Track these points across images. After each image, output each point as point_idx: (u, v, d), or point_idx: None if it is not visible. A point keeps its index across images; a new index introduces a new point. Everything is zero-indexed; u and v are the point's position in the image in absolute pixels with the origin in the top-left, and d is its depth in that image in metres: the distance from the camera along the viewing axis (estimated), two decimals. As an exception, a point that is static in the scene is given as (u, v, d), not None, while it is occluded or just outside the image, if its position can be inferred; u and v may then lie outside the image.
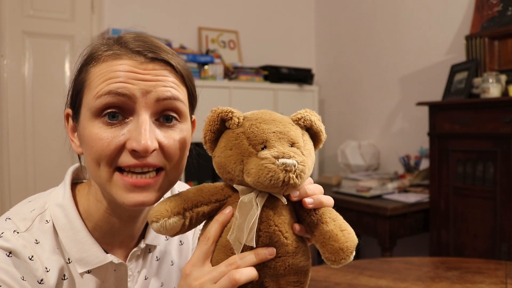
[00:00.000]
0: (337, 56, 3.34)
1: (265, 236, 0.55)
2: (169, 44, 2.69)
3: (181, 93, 0.63)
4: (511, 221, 1.85)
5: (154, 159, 0.59)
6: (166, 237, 0.78)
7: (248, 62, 3.15)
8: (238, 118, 0.56)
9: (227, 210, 0.57)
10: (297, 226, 0.57)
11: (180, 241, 0.81)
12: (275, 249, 0.55)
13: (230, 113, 0.56)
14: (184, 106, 0.63)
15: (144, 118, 0.58)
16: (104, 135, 0.58)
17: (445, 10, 2.55)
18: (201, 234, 0.59)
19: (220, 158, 0.57)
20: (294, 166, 0.51)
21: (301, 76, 3.07)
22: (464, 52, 2.30)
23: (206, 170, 2.59)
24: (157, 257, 0.76)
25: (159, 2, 2.87)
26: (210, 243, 0.56)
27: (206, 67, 2.71)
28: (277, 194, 0.55)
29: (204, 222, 0.60)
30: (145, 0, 2.81)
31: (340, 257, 0.55)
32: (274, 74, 2.95)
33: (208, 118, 0.57)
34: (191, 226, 0.58)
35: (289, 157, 0.52)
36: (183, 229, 0.58)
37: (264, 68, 2.99)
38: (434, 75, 2.60)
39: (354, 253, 0.56)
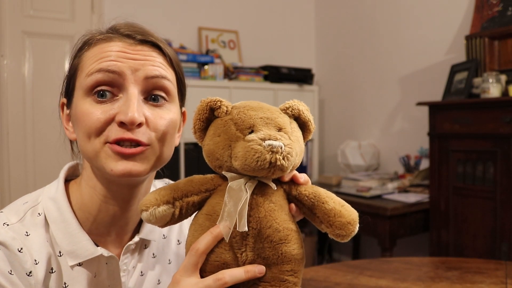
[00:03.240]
0: (337, 56, 3.34)
1: (255, 221, 0.55)
2: (169, 44, 2.69)
3: (168, 73, 0.65)
4: (511, 221, 1.85)
5: (141, 135, 0.60)
6: (163, 235, 0.79)
7: (248, 62, 3.15)
8: (227, 107, 0.58)
9: (223, 221, 0.56)
10: (293, 206, 0.58)
11: (178, 241, 0.81)
12: (264, 268, 0.56)
13: (219, 102, 0.58)
14: (172, 86, 0.66)
15: (133, 92, 0.61)
16: (94, 110, 0.60)
17: (445, 10, 2.55)
18: (191, 235, 0.59)
19: (209, 146, 0.58)
20: (281, 148, 0.52)
21: (301, 76, 3.07)
22: (464, 52, 2.30)
23: (206, 171, 2.59)
24: (153, 254, 0.76)
25: (159, 2, 2.87)
26: (199, 254, 0.56)
27: (206, 67, 2.71)
28: (266, 179, 0.56)
29: (195, 214, 0.60)
30: (145, 0, 2.82)
31: (350, 230, 0.56)
32: (274, 74, 2.95)
33: (198, 108, 0.59)
34: (182, 216, 0.59)
35: (276, 139, 0.53)
36: (174, 219, 0.58)
37: (264, 68, 2.99)
38: (434, 75, 2.60)
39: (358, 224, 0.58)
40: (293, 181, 0.59)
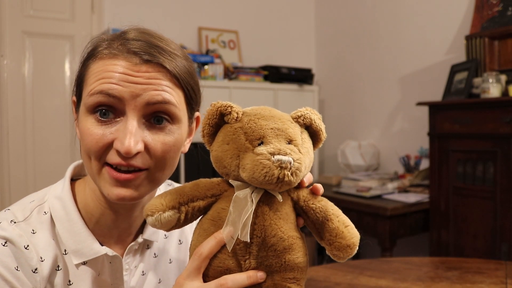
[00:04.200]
0: (337, 56, 3.34)
1: (259, 229, 0.54)
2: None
3: (174, 96, 0.62)
4: (511, 221, 1.85)
5: (138, 161, 0.60)
6: (165, 235, 0.79)
7: (248, 62, 3.15)
8: (237, 113, 0.56)
9: (227, 230, 0.56)
10: (301, 221, 0.58)
11: (179, 240, 0.82)
12: (265, 274, 0.55)
13: (230, 107, 0.56)
14: (177, 110, 0.63)
15: (131, 121, 0.59)
16: (94, 131, 0.60)
17: (445, 10, 2.55)
18: (195, 239, 0.59)
19: (217, 152, 0.57)
20: (290, 163, 0.51)
21: (301, 76, 3.07)
22: (464, 52, 2.30)
23: (206, 171, 2.58)
24: (155, 254, 0.76)
25: (159, 2, 2.87)
26: (202, 259, 0.56)
27: (206, 67, 2.71)
28: (273, 191, 0.55)
29: (200, 218, 0.60)
30: (145, 0, 2.82)
31: (348, 253, 0.56)
32: (274, 74, 2.95)
33: (207, 112, 0.58)
34: (187, 220, 0.59)
35: (285, 154, 0.51)
36: (179, 224, 0.58)
37: (264, 68, 2.99)
38: (434, 75, 2.60)
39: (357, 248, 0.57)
40: (312, 192, 0.58)
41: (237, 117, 0.56)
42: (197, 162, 2.66)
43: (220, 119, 0.58)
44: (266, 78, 2.96)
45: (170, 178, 0.82)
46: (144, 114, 0.61)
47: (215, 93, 2.69)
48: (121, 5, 2.73)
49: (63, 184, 0.70)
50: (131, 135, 0.58)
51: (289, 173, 0.51)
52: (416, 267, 1.26)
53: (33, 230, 0.64)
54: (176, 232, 0.81)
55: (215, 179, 0.60)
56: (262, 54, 3.23)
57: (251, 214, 0.53)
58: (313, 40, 3.57)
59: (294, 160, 0.52)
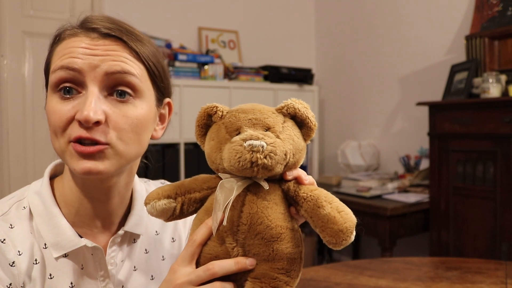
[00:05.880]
0: (337, 56, 3.34)
1: (245, 217, 0.56)
2: (169, 44, 2.69)
3: (134, 68, 0.63)
4: (511, 221, 1.85)
5: (98, 134, 0.60)
6: (156, 231, 0.79)
7: (248, 62, 3.15)
8: (222, 112, 0.59)
9: (214, 217, 0.57)
10: (293, 209, 0.58)
11: (172, 238, 0.82)
12: (255, 261, 0.56)
13: (215, 108, 0.60)
14: (138, 81, 0.63)
15: (92, 90, 0.60)
16: (58, 107, 0.61)
17: (445, 10, 2.55)
18: (191, 229, 0.61)
19: (207, 150, 0.60)
20: (262, 147, 0.52)
21: (301, 76, 3.07)
22: (464, 52, 2.30)
23: (206, 171, 2.58)
24: (146, 250, 0.76)
25: (159, 2, 2.87)
26: (196, 245, 0.58)
27: (206, 67, 2.71)
28: (258, 179, 0.56)
29: (197, 212, 0.62)
30: (145, 0, 2.81)
31: (341, 238, 0.54)
32: (274, 74, 2.95)
33: (197, 115, 0.61)
34: (184, 211, 0.61)
35: (257, 139, 0.53)
36: (176, 214, 0.61)
37: (264, 68, 2.99)
38: (434, 75, 2.60)
39: (354, 233, 0.54)
40: (297, 181, 0.58)
41: (222, 115, 0.59)
42: (197, 162, 2.66)
43: (208, 120, 0.61)
44: (266, 78, 2.97)
45: (170, 179, 0.82)
46: (105, 86, 0.61)
47: (215, 93, 2.69)
48: (121, 5, 2.73)
49: (42, 181, 0.70)
50: (90, 104, 0.58)
51: (262, 156, 0.52)
52: (416, 267, 1.26)
53: (11, 225, 0.64)
54: (169, 230, 0.81)
55: (213, 175, 0.63)
56: (262, 54, 3.23)
57: (231, 200, 0.55)
58: (313, 40, 3.57)
59: (267, 144, 0.53)
